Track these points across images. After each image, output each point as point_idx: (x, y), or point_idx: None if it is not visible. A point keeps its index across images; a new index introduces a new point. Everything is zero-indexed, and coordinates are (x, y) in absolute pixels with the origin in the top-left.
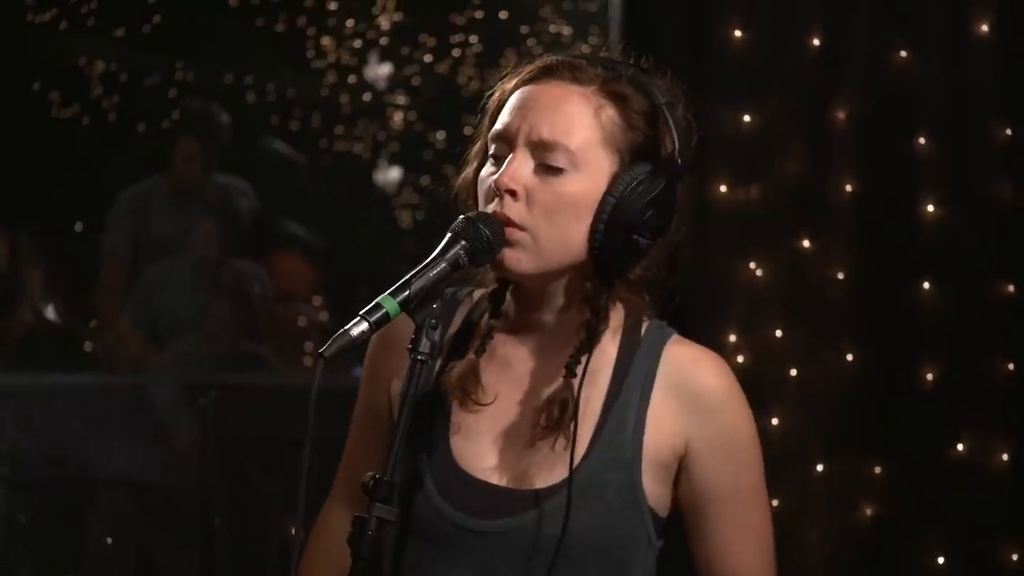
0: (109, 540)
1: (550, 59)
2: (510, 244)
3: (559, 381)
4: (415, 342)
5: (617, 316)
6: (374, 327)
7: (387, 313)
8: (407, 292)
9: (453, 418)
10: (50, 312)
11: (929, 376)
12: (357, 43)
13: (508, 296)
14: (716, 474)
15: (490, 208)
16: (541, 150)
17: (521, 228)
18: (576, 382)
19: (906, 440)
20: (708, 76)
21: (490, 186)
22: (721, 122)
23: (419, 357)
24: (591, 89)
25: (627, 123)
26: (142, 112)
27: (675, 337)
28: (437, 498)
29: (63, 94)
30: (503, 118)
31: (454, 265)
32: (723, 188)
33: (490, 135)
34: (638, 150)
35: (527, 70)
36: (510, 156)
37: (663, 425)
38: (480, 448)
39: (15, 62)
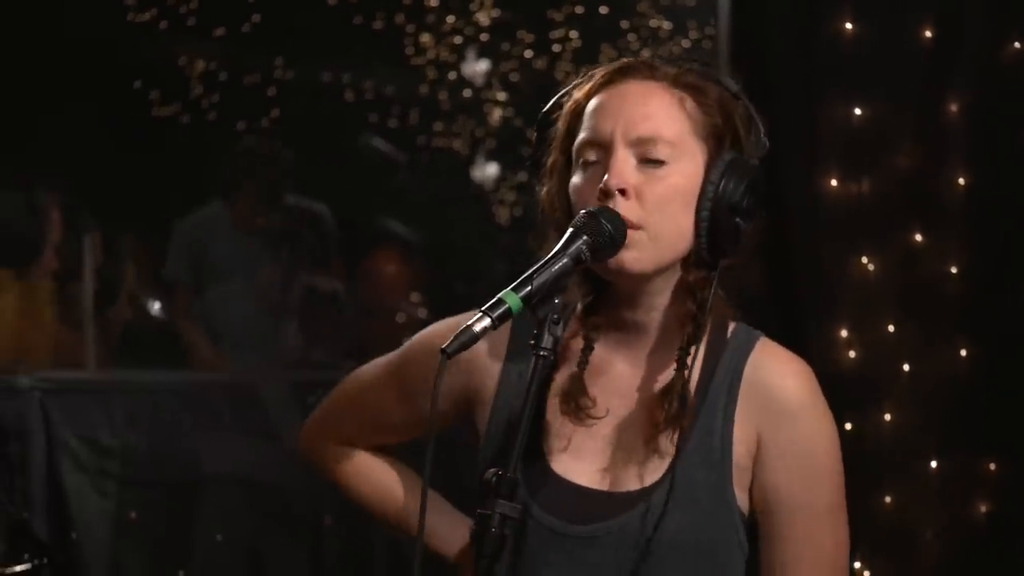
0: (219, 537)
1: (622, 61)
2: (627, 247)
3: (669, 375)
4: (537, 338)
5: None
6: (496, 323)
7: (509, 308)
8: (529, 287)
9: (547, 422)
10: (150, 309)
11: None
12: (456, 39)
13: (601, 304)
14: (785, 484)
15: None
16: (640, 146)
17: (637, 227)
18: (687, 374)
19: (1021, 436)
20: (818, 69)
21: (593, 191)
22: (832, 115)
23: (542, 353)
24: (666, 83)
25: (705, 112)
26: (241, 111)
27: (763, 340)
28: (531, 503)
29: (163, 93)
30: (591, 124)
31: (576, 260)
32: (834, 182)
33: (578, 143)
34: (720, 137)
35: (600, 75)
36: (613, 158)
37: (744, 425)
38: (575, 452)
39: (116, 62)
